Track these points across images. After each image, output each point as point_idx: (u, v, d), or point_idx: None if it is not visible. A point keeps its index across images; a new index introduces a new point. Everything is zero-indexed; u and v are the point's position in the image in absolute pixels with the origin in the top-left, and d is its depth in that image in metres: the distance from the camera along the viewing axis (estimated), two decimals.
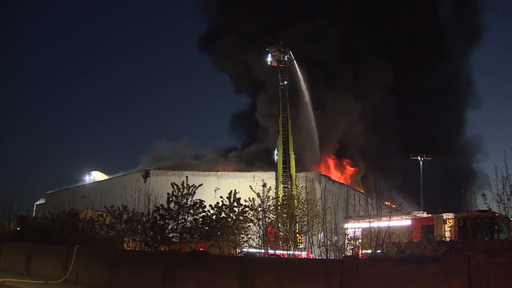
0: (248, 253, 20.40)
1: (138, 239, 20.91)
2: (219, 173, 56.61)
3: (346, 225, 24.65)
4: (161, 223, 19.93)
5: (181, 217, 19.79)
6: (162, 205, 20.21)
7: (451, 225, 28.37)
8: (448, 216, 28.52)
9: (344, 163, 64.29)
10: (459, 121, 77.43)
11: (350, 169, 64.24)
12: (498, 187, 15.09)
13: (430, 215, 30.46)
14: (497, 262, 12.53)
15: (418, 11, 70.99)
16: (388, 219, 18.24)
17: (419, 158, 52.85)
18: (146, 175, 55.95)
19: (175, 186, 20.23)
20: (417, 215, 31.34)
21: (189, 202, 19.86)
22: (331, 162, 63.58)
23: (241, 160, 65.80)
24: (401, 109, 69.66)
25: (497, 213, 20.02)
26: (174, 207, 19.90)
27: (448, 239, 26.11)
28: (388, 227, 17.84)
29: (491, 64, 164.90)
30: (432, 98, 73.09)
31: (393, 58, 66.52)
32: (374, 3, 69.83)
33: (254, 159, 63.52)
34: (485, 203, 15.98)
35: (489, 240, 22.02)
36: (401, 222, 27.94)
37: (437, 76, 72.82)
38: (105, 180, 64.72)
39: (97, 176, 71.13)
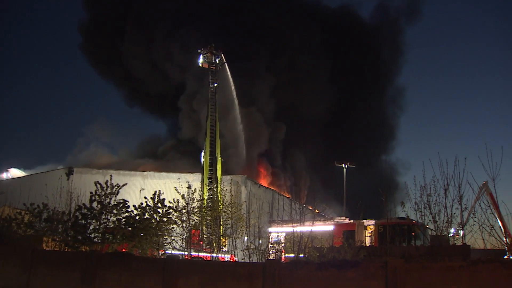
0: (171, 255, 20.21)
1: (58, 239, 20.26)
2: (145, 173, 56.00)
3: (270, 229, 24.88)
4: (83, 222, 19.39)
5: (104, 217, 19.34)
6: (84, 204, 19.70)
7: (371, 231, 29.24)
8: (369, 222, 29.39)
9: (266, 167, 64.74)
10: (387, 136, 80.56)
11: (269, 172, 64.67)
12: (416, 196, 15.65)
13: (351, 221, 31.26)
14: (412, 267, 12.96)
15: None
16: (311, 224, 18.52)
17: (343, 166, 54.28)
18: (70, 172, 54.53)
19: (98, 185, 19.76)
20: (339, 220, 32.09)
21: (112, 202, 19.45)
22: (258, 166, 63.97)
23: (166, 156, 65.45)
24: (334, 119, 71.38)
25: (414, 221, 20.78)
26: (97, 206, 19.45)
27: (368, 245, 26.89)
28: (311, 232, 18.12)
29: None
30: (367, 114, 75.57)
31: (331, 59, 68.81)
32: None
33: (180, 156, 63.33)
34: (404, 210, 16.57)
35: (407, 246, 22.76)
36: (324, 227, 28.57)
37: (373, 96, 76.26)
38: (25, 176, 62.27)
39: (15, 173, 68.23)
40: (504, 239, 15.22)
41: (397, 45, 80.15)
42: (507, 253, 15.46)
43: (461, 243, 15.98)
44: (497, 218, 17.70)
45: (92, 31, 72.74)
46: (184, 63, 60.47)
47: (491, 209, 15.68)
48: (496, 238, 15.00)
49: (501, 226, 16.67)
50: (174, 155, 65.89)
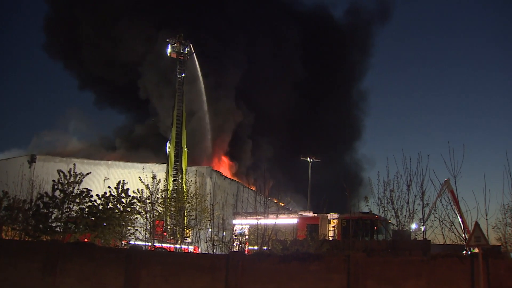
0: (134, 246, 20.08)
1: (18, 228, 19.78)
2: (109, 162, 55.17)
3: (234, 221, 24.91)
4: (45, 211, 19.01)
5: (66, 206, 18.99)
6: (46, 193, 19.33)
7: (335, 225, 29.49)
8: (333, 216, 29.62)
9: (227, 158, 64.65)
10: (353, 136, 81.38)
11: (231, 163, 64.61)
12: (379, 191, 15.90)
13: (315, 214, 31.47)
14: (374, 261, 13.18)
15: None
16: (275, 217, 18.60)
17: (308, 159, 54.61)
18: (32, 160, 53.31)
19: (61, 174, 19.42)
20: (303, 214, 32.28)
21: (75, 191, 19.13)
22: (223, 158, 63.84)
23: (130, 146, 64.77)
24: (301, 116, 71.63)
25: (377, 215, 21.08)
26: (59, 195, 19.12)
27: (331, 238, 27.14)
28: (275, 224, 18.19)
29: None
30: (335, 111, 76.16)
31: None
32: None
33: (144, 145, 62.80)
34: (367, 205, 16.81)
35: (369, 241, 23.08)
36: (288, 220, 28.69)
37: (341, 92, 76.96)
38: None
39: None
40: (463, 234, 15.58)
41: (366, 47, 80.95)
42: (466, 248, 15.82)
43: (422, 238, 16.31)
44: (457, 215, 18.08)
45: (54, 28, 70.84)
46: (148, 52, 59.93)
47: (451, 206, 16.09)
48: (455, 234, 15.38)
49: (461, 222, 17.07)
50: (140, 145, 65.17)
